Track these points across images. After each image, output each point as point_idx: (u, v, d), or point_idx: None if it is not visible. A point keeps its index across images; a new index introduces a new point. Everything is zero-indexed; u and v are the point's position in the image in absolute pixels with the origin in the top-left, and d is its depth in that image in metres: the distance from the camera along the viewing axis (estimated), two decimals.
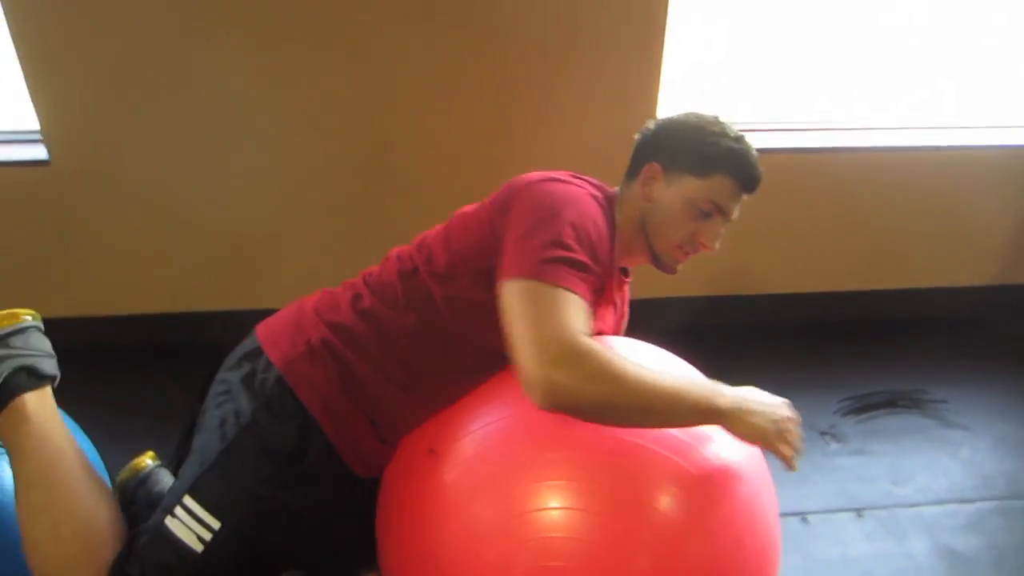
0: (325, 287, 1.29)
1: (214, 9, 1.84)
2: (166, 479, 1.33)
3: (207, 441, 1.15)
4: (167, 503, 1.13)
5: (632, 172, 1.28)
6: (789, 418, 1.05)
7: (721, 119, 1.25)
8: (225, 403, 1.17)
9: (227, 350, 1.28)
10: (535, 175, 1.16)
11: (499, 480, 1.02)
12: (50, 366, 1.22)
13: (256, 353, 1.21)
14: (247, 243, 2.15)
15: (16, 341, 1.20)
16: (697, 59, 2.27)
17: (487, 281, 1.10)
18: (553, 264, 1.01)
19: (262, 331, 1.25)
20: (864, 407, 2.14)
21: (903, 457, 1.95)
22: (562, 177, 1.16)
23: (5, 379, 1.16)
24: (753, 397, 1.04)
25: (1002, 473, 1.90)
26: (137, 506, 1.28)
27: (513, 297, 1.01)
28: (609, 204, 1.20)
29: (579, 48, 1.98)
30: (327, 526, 1.19)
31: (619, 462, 1.01)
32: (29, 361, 1.18)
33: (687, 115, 1.26)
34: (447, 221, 1.24)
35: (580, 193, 1.13)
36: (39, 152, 2.00)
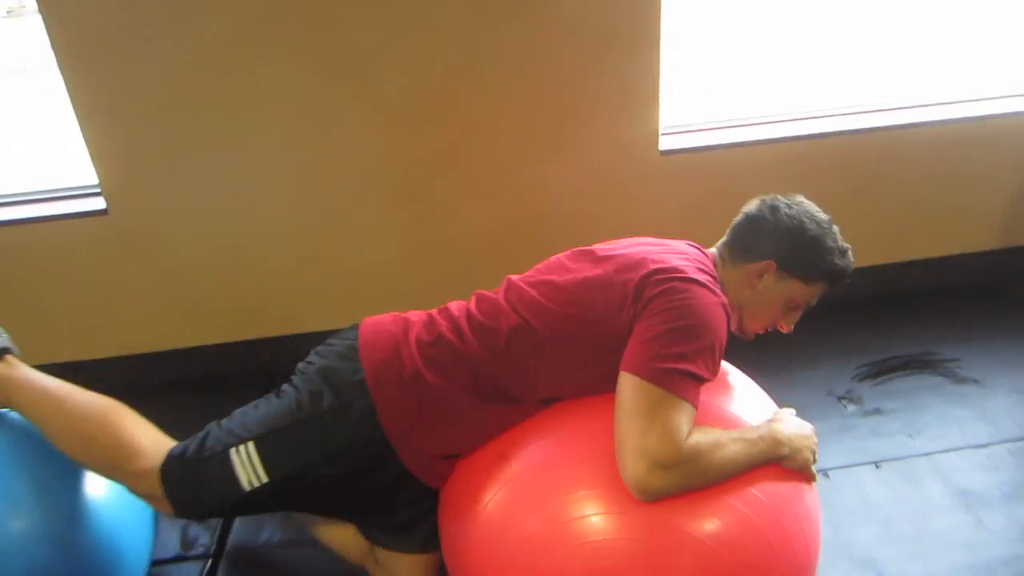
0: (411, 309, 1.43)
1: (257, 58, 2.04)
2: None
3: (283, 408, 1.31)
4: (239, 433, 1.30)
5: (742, 255, 1.37)
6: (815, 442, 1.29)
7: (833, 227, 1.38)
8: (310, 382, 1.32)
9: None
10: (673, 264, 1.25)
11: (554, 489, 1.18)
12: (2, 339, 1.39)
13: (352, 354, 1.34)
14: (291, 273, 2.35)
15: None
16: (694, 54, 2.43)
17: (598, 348, 1.24)
18: (681, 377, 1.14)
19: (365, 336, 1.36)
20: (879, 372, 2.24)
21: (917, 412, 2.05)
22: (698, 278, 1.24)
23: None
24: (793, 431, 1.25)
25: (1013, 419, 1.99)
26: None
27: (633, 394, 1.14)
28: (717, 283, 1.29)
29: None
30: (356, 506, 1.38)
31: None
32: None
33: (806, 216, 1.36)
34: (557, 279, 1.33)
35: (715, 309, 1.22)
36: (98, 203, 2.23)
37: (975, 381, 2.16)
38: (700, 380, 1.16)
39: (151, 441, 1.34)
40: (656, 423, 1.11)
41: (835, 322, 2.46)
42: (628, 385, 1.16)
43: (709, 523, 1.13)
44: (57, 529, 1.36)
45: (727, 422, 1.23)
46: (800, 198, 1.41)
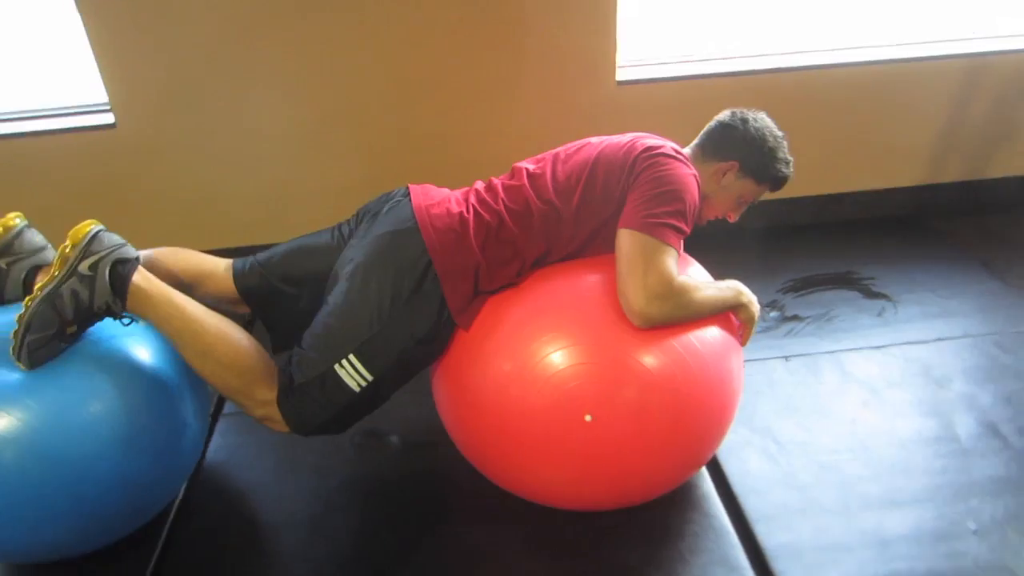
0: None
1: None
2: (38, 237, 1.60)
3: (365, 314, 1.49)
4: (335, 351, 1.50)
5: (712, 154, 1.67)
6: (755, 305, 1.60)
7: (784, 141, 1.70)
8: (381, 276, 1.50)
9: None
10: (654, 143, 1.58)
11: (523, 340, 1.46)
12: (130, 251, 1.50)
13: (412, 234, 1.52)
14: (281, 186, 2.59)
15: (95, 246, 1.45)
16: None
17: (601, 207, 1.55)
18: (668, 228, 1.46)
19: (422, 219, 1.54)
20: (802, 286, 2.54)
21: (830, 320, 2.35)
22: (674, 154, 1.56)
23: (109, 276, 1.44)
24: (745, 292, 1.58)
25: (912, 327, 2.29)
26: (17, 255, 1.55)
27: (633, 243, 1.45)
28: (690, 163, 1.60)
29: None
30: (415, 367, 1.59)
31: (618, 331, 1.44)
32: (115, 255, 1.46)
33: (767, 129, 1.67)
34: (580, 157, 1.62)
35: (689, 178, 1.54)
36: (107, 118, 2.45)
37: (885, 296, 2.46)
38: (682, 232, 1.49)
39: (267, 366, 1.53)
40: (652, 265, 1.42)
41: (769, 247, 2.77)
42: (626, 237, 1.47)
43: (651, 357, 1.42)
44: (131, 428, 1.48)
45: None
46: (763, 114, 1.71)
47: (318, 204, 2.62)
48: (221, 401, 2.09)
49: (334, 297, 1.55)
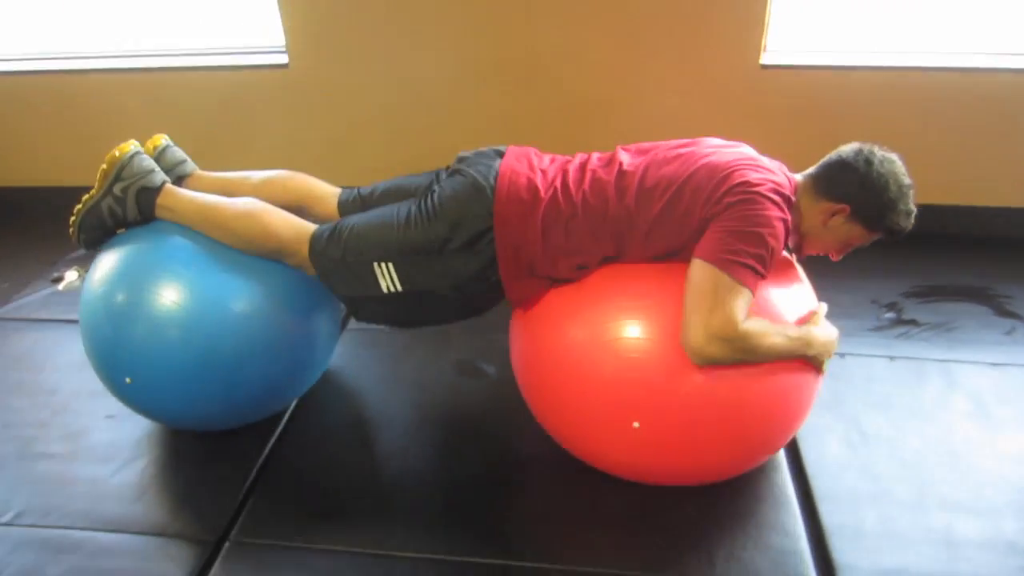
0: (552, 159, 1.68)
1: None
2: (179, 153, 1.87)
3: (420, 237, 1.57)
4: (380, 253, 1.60)
5: (824, 192, 1.54)
6: (836, 348, 1.55)
7: (910, 191, 1.53)
8: (446, 216, 1.56)
9: None
10: (756, 177, 1.46)
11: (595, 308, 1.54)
12: (157, 178, 1.70)
13: (487, 195, 1.55)
14: (424, 136, 2.81)
15: (126, 172, 1.68)
16: None
17: (677, 229, 1.49)
18: (746, 269, 1.40)
19: (503, 184, 1.57)
20: (929, 292, 2.45)
21: (950, 330, 2.26)
22: (771, 195, 1.45)
23: (135, 203, 1.69)
24: (824, 338, 1.51)
25: None
26: (164, 168, 1.78)
27: (705, 276, 1.40)
28: (788, 204, 1.49)
29: None
30: (450, 312, 1.71)
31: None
32: (139, 183, 1.68)
33: (892, 176, 1.51)
34: (675, 168, 1.53)
35: (779, 223, 1.44)
36: (281, 59, 2.76)
37: (1018, 317, 2.33)
38: (759, 274, 1.42)
39: (293, 232, 1.67)
40: (720, 305, 1.38)
41: (904, 249, 2.64)
42: (700, 269, 1.42)
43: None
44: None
45: (772, 311, 1.50)
46: (893, 157, 1.54)
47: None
48: (347, 316, 2.34)
49: (403, 208, 1.63)
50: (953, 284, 2.49)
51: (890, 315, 2.34)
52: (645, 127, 2.68)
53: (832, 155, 1.57)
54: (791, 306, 1.56)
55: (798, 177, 1.58)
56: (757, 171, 1.49)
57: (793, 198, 1.52)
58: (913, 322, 2.30)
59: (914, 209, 1.54)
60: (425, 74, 2.71)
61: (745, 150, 1.60)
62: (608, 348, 1.51)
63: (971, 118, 2.57)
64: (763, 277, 1.44)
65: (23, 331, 2.35)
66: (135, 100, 2.90)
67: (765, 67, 2.54)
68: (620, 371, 1.51)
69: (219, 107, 2.88)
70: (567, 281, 1.60)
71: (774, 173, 1.51)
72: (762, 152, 1.61)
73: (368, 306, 1.70)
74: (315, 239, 1.67)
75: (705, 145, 1.61)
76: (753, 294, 1.42)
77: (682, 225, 1.49)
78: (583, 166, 1.62)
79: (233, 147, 2.95)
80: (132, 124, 2.91)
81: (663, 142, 1.66)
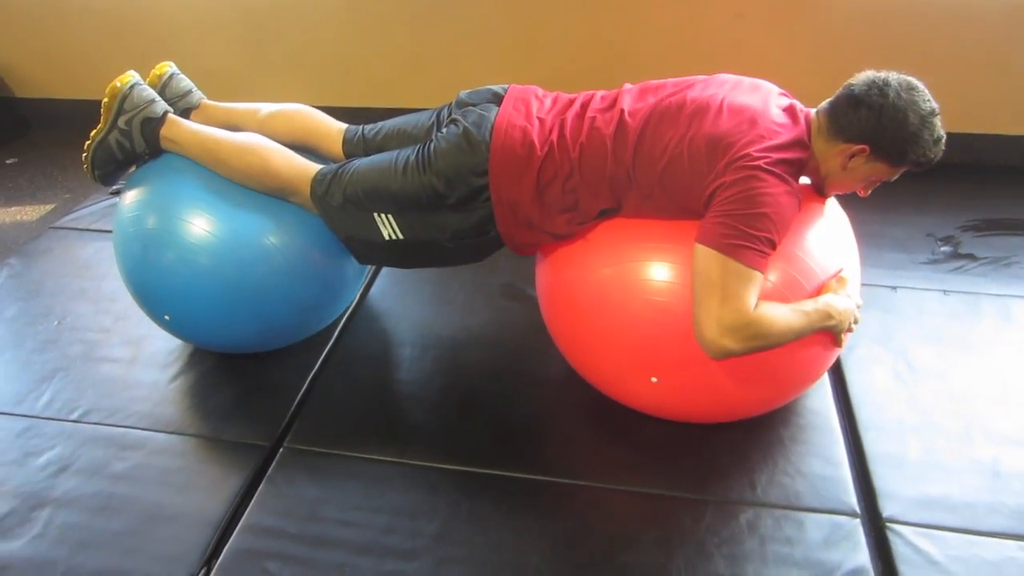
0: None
1: None
2: (184, 82, 1.85)
3: (419, 191, 1.56)
4: (380, 205, 1.60)
5: (839, 132, 1.40)
6: (858, 316, 1.49)
7: (934, 118, 1.37)
8: (443, 171, 1.53)
9: None
10: (756, 150, 1.35)
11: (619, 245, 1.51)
12: (159, 108, 1.68)
13: (483, 151, 1.51)
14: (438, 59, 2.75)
15: (127, 104, 1.67)
16: None
17: (676, 200, 1.44)
18: (751, 251, 1.32)
19: (498, 138, 1.51)
20: (987, 227, 2.37)
21: (1007, 265, 2.20)
22: (775, 170, 1.34)
23: (141, 135, 1.68)
24: (844, 307, 1.44)
25: None
26: (169, 99, 1.79)
27: (710, 264, 1.33)
28: (798, 165, 1.41)
29: None
30: (450, 259, 1.72)
31: None
32: (142, 114, 1.67)
33: (911, 107, 1.35)
34: (677, 130, 1.43)
35: (784, 198, 1.35)
36: None
37: None
38: (766, 254, 1.35)
39: (294, 172, 1.65)
40: (729, 295, 1.32)
41: (962, 181, 2.58)
42: (705, 256, 1.34)
43: None
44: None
45: (800, 262, 1.45)
46: (912, 81, 1.38)
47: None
48: None
49: (402, 158, 1.60)
50: (1014, 218, 2.41)
51: (946, 248, 2.28)
52: (700, 56, 2.60)
53: (843, 90, 1.41)
54: (826, 252, 1.50)
55: (812, 112, 1.47)
56: (760, 138, 1.37)
57: (808, 142, 1.43)
58: (970, 256, 2.24)
59: (942, 135, 1.39)
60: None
61: (755, 99, 1.45)
62: (630, 290, 1.49)
63: None
64: (771, 254, 1.37)
65: (86, 240, 2.42)
66: (188, 14, 2.89)
67: None
68: (640, 321, 1.49)
69: (270, 24, 2.85)
70: (567, 237, 1.57)
71: (780, 132, 1.39)
72: (818, 86, 1.52)
73: (370, 251, 1.71)
74: (316, 182, 1.65)
75: (714, 91, 1.47)
76: (763, 274, 1.36)
77: (681, 197, 1.44)
78: (583, 112, 1.53)
79: (280, 66, 2.93)
80: (176, 40, 2.92)
81: (670, 82, 1.55)
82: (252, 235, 1.67)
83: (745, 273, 1.33)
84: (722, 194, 1.36)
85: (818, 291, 1.47)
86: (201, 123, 1.76)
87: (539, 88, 1.65)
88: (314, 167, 1.68)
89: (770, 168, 1.35)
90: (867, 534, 1.47)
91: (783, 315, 1.38)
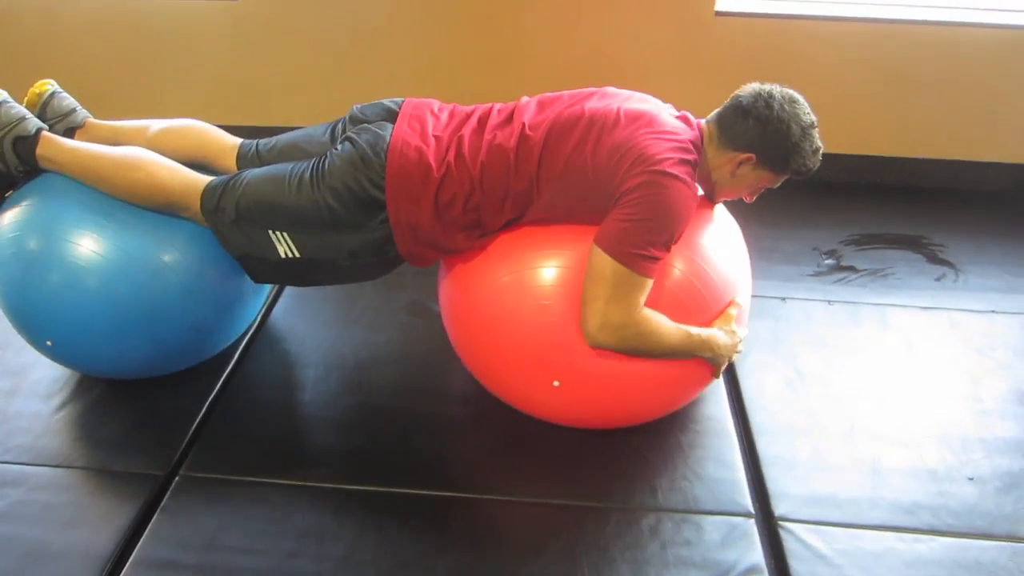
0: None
1: None
2: (67, 101, 1.76)
3: (313, 210, 1.53)
4: (275, 222, 1.56)
5: (728, 142, 1.49)
6: (739, 350, 1.57)
7: (813, 130, 1.47)
8: (338, 190, 1.51)
9: None
10: (656, 153, 1.41)
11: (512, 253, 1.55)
12: (30, 125, 1.60)
13: (379, 169, 1.49)
14: (370, 75, 2.76)
15: None
16: None
17: (578, 206, 1.49)
18: (646, 260, 1.39)
19: (394, 156, 1.49)
20: (867, 240, 2.54)
21: (885, 276, 2.35)
22: (676, 172, 1.40)
23: (14, 152, 1.59)
24: (726, 344, 1.53)
25: (968, 297, 2.25)
26: (50, 119, 1.72)
27: (604, 268, 1.39)
28: (694, 166, 1.47)
29: None
30: (350, 277, 1.70)
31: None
32: (13, 133, 1.59)
33: (793, 119, 1.45)
34: (573, 142, 1.47)
35: (685, 203, 1.42)
36: None
37: (949, 264, 2.43)
38: (658, 260, 1.42)
39: (181, 185, 1.60)
40: (617, 296, 1.39)
41: (845, 199, 2.75)
42: (601, 259, 1.40)
43: None
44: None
45: (696, 267, 1.53)
46: (793, 95, 1.48)
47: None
48: None
49: (296, 174, 1.56)
50: (890, 233, 2.58)
51: (830, 261, 2.42)
52: (597, 73, 2.68)
53: (731, 101, 1.50)
54: (722, 257, 1.59)
55: (704, 123, 1.55)
56: (660, 139, 1.44)
57: (700, 150, 1.50)
58: (851, 268, 2.39)
59: (820, 146, 1.49)
60: (377, 13, 2.65)
61: (649, 108, 1.52)
62: (528, 297, 1.52)
63: (914, 70, 2.64)
64: (667, 254, 1.44)
65: None
66: (70, 28, 2.77)
67: (720, 14, 2.55)
68: (537, 328, 1.52)
69: (160, 40, 2.77)
70: (469, 250, 1.59)
71: (677, 133, 1.47)
72: (710, 100, 1.60)
73: (265, 269, 1.66)
74: (207, 195, 1.60)
75: (608, 102, 1.53)
76: (652, 278, 1.42)
77: (587, 205, 1.48)
78: (481, 127, 1.54)
79: (173, 83, 2.85)
80: (69, 53, 2.80)
81: (566, 94, 1.59)
82: (143, 254, 1.61)
83: (636, 281, 1.40)
84: (626, 198, 1.41)
85: (713, 317, 1.55)
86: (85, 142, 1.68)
87: (436, 102, 1.65)
88: (204, 179, 1.62)
89: (671, 171, 1.41)
90: (761, 533, 1.54)
91: (665, 329, 1.45)
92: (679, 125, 1.51)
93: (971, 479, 1.66)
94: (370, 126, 1.58)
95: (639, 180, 1.40)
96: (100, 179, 1.60)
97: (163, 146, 1.70)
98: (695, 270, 1.54)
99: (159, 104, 2.87)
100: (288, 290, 2.19)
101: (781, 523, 1.55)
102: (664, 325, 1.45)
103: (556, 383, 1.56)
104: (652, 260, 1.41)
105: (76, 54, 2.81)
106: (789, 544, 1.51)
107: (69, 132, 1.74)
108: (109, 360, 1.72)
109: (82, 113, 1.78)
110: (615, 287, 1.39)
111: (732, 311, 1.57)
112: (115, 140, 1.72)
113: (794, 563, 1.47)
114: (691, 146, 1.48)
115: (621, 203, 1.42)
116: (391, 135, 1.54)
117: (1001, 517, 1.58)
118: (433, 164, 1.50)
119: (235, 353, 1.94)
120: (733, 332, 1.56)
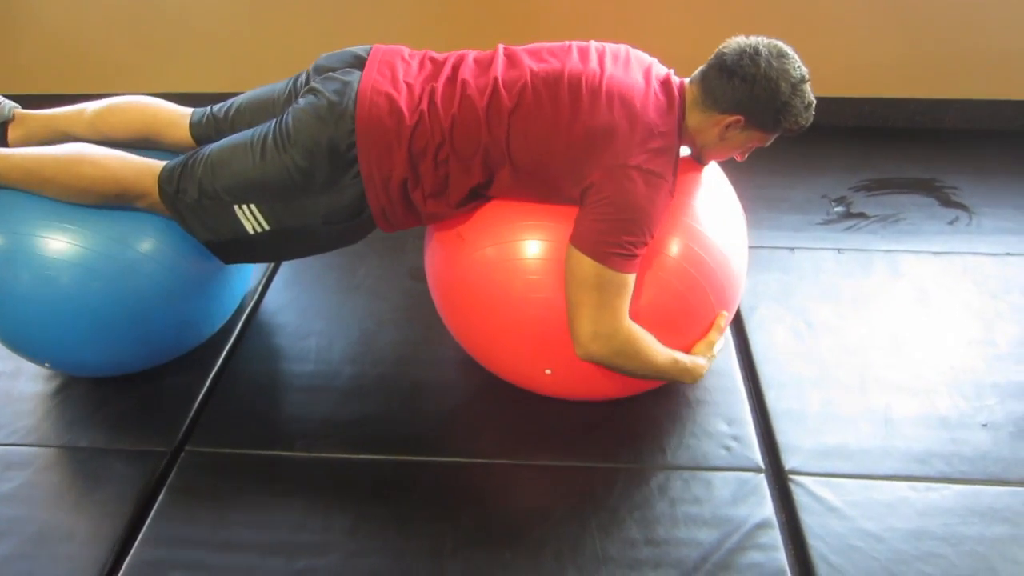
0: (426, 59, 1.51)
1: None
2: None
3: (279, 175, 1.43)
4: (238, 194, 1.45)
5: (713, 104, 1.40)
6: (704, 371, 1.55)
7: (805, 85, 1.37)
8: (305, 148, 1.41)
9: None
10: (639, 153, 1.35)
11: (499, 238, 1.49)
12: None
13: (345, 120, 1.39)
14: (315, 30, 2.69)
15: None
16: None
17: (547, 189, 1.44)
18: (623, 257, 1.35)
19: (363, 106, 1.39)
20: (878, 186, 2.47)
21: (896, 221, 2.30)
22: (650, 167, 1.35)
23: None
24: (700, 373, 1.53)
25: (981, 241, 2.20)
26: None
27: (586, 271, 1.34)
28: (673, 145, 1.40)
29: None
30: (324, 245, 1.60)
31: None
32: None
33: (782, 75, 1.35)
34: (547, 113, 1.39)
35: (658, 199, 1.36)
36: None
37: (963, 207, 2.37)
38: (637, 256, 1.37)
39: (133, 172, 1.48)
40: (606, 301, 1.35)
41: (855, 145, 2.68)
42: (579, 260, 1.35)
43: None
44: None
45: (695, 232, 1.48)
46: (782, 48, 1.38)
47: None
48: None
49: (258, 138, 1.46)
50: (902, 177, 2.51)
51: (839, 209, 2.36)
52: (570, 23, 2.60)
53: (714, 59, 1.40)
54: (717, 220, 1.54)
55: (686, 82, 1.46)
56: (637, 139, 1.37)
57: (682, 124, 1.44)
58: (862, 215, 2.33)
59: (812, 100, 1.40)
60: None
61: (635, 79, 1.43)
62: (514, 272, 1.48)
63: (924, 4, 2.54)
64: (646, 248, 1.40)
65: None
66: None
67: None
68: (529, 314, 1.48)
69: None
70: (437, 218, 1.52)
71: (657, 124, 1.39)
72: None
73: (234, 249, 1.56)
74: (164, 179, 1.48)
75: (593, 66, 1.43)
76: (634, 273, 1.39)
77: (552, 181, 1.42)
78: (454, 76, 1.45)
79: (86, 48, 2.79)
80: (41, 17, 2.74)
81: (546, 48, 1.49)
82: (119, 253, 1.52)
83: (619, 280, 1.36)
84: (596, 195, 1.36)
85: (709, 326, 1.55)
86: (20, 138, 1.60)
87: (406, 48, 1.55)
88: (158, 163, 1.50)
89: (646, 167, 1.36)
90: (771, 487, 1.52)
91: (653, 349, 1.44)
92: (662, 106, 1.41)
93: (984, 425, 1.63)
94: (335, 74, 1.47)
95: (611, 177, 1.35)
96: (44, 181, 1.47)
97: (106, 127, 1.60)
98: (698, 239, 1.49)
99: (149, 73, 2.81)
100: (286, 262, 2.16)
101: (792, 477, 1.53)
102: (654, 347, 1.44)
103: (548, 371, 1.53)
104: (632, 257, 1.37)
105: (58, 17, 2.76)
106: (800, 498, 1.49)
107: (1, 127, 1.63)
108: (108, 365, 1.71)
109: (8, 105, 1.65)
110: (600, 291, 1.35)
111: (721, 322, 1.55)
112: (51, 128, 1.62)
113: (805, 517, 1.45)
114: (672, 132, 1.41)
115: (593, 198, 1.37)
116: (359, 82, 1.44)
117: (1015, 462, 1.55)
118: (405, 112, 1.41)
119: (237, 326, 1.93)
120: (714, 356, 1.56)
